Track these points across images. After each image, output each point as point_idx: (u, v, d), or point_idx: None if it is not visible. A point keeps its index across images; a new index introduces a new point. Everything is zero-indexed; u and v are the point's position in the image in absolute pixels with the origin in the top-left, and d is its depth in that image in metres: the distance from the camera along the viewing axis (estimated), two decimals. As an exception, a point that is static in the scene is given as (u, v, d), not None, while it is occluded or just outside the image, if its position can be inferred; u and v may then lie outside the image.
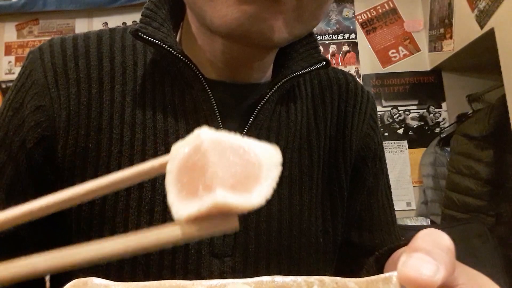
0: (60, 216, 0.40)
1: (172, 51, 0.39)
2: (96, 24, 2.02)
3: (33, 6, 1.96)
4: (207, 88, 0.41)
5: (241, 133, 0.41)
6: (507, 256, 1.33)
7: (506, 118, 1.25)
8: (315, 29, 0.45)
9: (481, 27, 1.37)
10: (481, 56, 1.54)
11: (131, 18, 1.94)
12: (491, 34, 1.30)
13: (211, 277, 0.39)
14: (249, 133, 0.42)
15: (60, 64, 0.42)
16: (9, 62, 2.00)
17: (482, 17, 1.36)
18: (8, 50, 2.01)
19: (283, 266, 0.43)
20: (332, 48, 1.96)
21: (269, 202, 0.42)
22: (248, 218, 0.41)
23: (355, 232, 0.50)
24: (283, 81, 0.42)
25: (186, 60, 0.40)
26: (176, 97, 0.42)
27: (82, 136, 0.40)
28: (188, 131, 0.40)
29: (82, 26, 2.02)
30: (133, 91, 0.42)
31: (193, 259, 0.40)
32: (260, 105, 0.42)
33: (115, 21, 2.01)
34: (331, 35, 1.97)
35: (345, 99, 0.50)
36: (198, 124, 0.41)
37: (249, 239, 0.41)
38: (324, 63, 0.45)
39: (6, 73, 1.98)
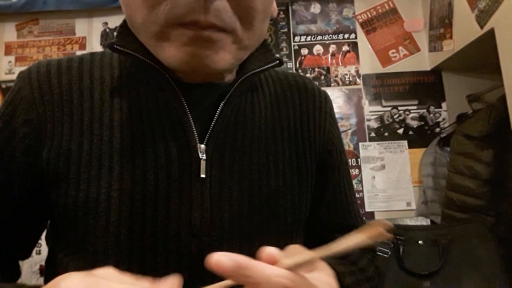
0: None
1: (144, 59, 0.45)
2: (96, 24, 2.01)
3: (33, 6, 1.95)
4: (177, 89, 0.46)
5: (209, 125, 0.47)
6: (507, 256, 1.33)
7: (506, 118, 1.25)
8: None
9: (481, 27, 1.37)
10: (481, 56, 1.54)
11: (131, 18, 1.92)
12: (491, 34, 1.30)
13: (190, 255, 0.44)
14: (217, 126, 0.47)
15: (45, 82, 0.47)
16: (9, 62, 1.99)
17: (482, 17, 1.36)
18: (8, 50, 2.00)
19: (254, 243, 0.47)
20: (332, 48, 1.96)
21: (240, 187, 0.50)
22: (222, 202, 0.46)
23: (323, 210, 0.58)
24: (242, 78, 0.49)
25: (157, 66, 0.45)
26: (150, 100, 0.47)
27: (65, 141, 0.45)
28: (163, 127, 0.46)
29: (82, 26, 2.01)
30: (111, 98, 0.48)
31: (173, 240, 0.44)
32: (224, 100, 0.48)
33: (115, 21, 2.00)
34: (331, 35, 1.96)
35: (305, 99, 0.57)
36: (171, 121, 0.46)
37: (224, 220, 0.46)
38: (278, 61, 0.51)
39: (6, 73, 1.97)
